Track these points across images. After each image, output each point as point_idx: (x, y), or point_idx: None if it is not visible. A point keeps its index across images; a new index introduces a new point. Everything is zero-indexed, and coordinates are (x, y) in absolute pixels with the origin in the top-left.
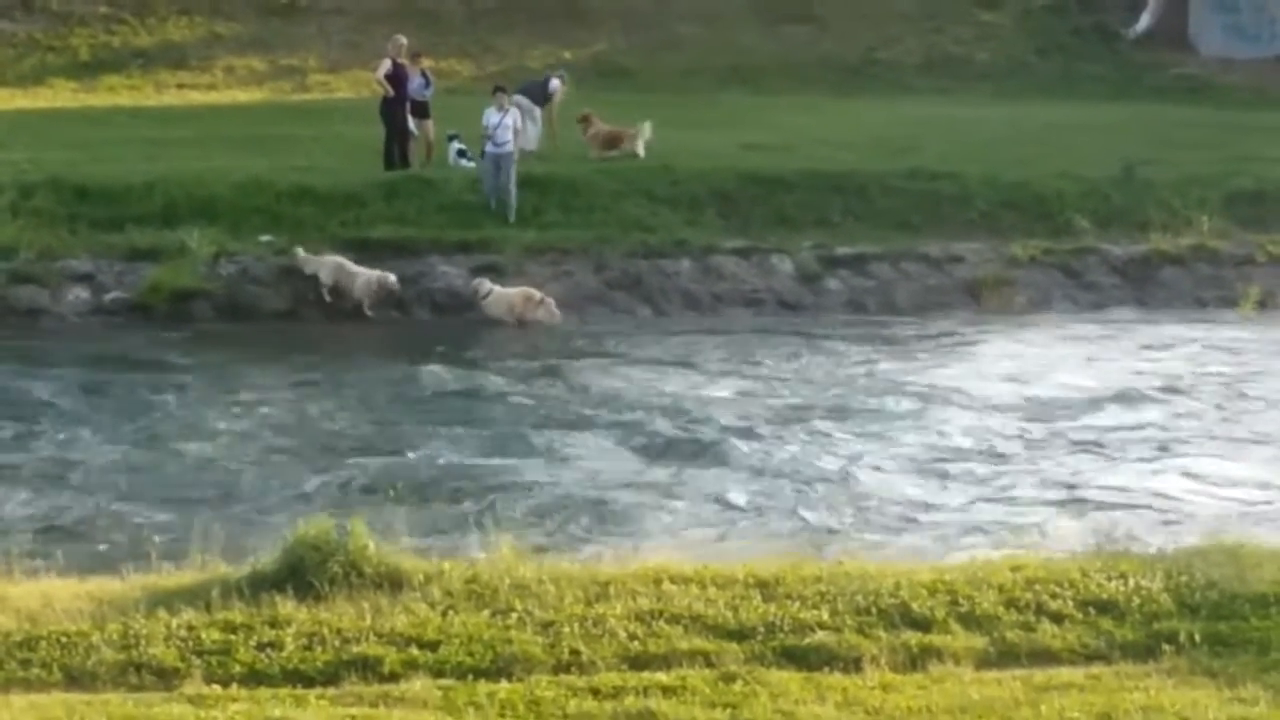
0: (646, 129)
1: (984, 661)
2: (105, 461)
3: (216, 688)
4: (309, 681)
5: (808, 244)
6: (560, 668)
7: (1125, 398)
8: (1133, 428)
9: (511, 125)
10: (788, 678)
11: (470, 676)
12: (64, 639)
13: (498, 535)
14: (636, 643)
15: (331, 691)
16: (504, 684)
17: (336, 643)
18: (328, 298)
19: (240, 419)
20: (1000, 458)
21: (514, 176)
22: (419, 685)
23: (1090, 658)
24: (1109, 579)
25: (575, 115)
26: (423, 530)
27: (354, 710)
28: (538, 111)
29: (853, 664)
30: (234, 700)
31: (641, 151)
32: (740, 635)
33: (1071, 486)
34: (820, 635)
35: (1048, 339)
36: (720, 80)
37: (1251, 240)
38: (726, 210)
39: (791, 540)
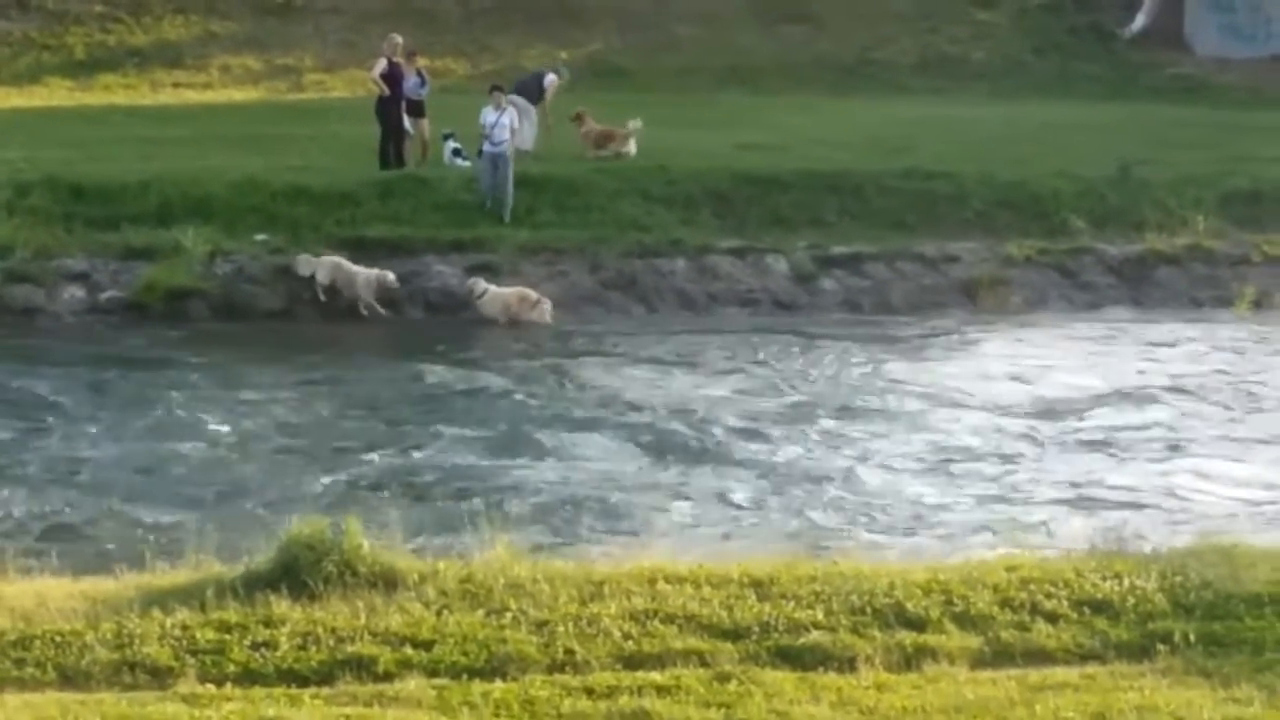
0: (634, 126)
1: (979, 661)
2: (104, 461)
3: (211, 687)
4: (303, 681)
5: (803, 244)
6: (555, 667)
7: (1127, 397)
8: (1136, 427)
9: (509, 124)
10: (782, 677)
11: (465, 676)
12: (58, 638)
13: (493, 534)
14: (631, 642)
15: (326, 691)
16: (498, 683)
17: (331, 642)
18: (323, 297)
19: (239, 418)
20: (1004, 457)
21: (511, 176)
22: (413, 685)
23: (1085, 657)
24: (1104, 579)
25: (569, 114)
26: (422, 530)
27: (348, 710)
28: (534, 111)
29: (847, 664)
30: (228, 700)
31: (633, 150)
32: (735, 635)
33: (1076, 486)
34: (815, 635)
35: (1045, 338)
36: (717, 80)
37: (1247, 240)
38: (722, 210)
39: (795, 540)
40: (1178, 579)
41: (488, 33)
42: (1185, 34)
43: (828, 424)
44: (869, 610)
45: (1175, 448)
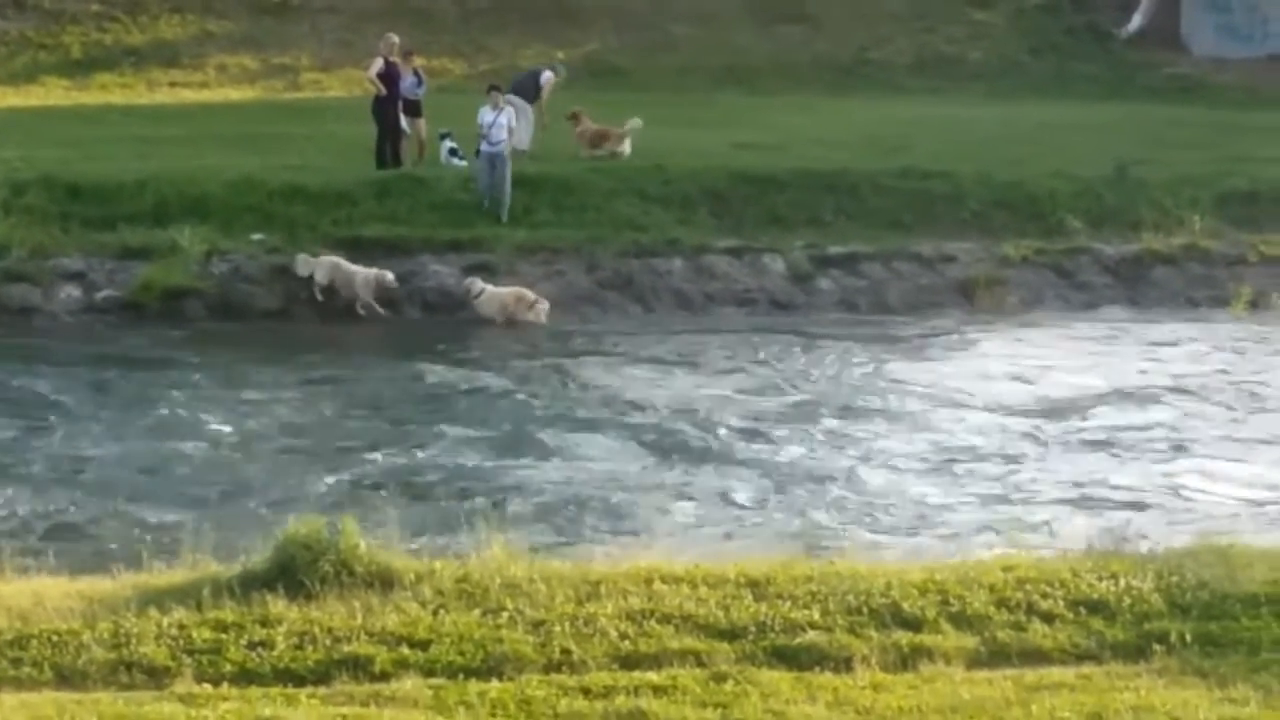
0: (634, 125)
1: (975, 661)
2: (106, 460)
3: (207, 687)
4: (300, 680)
5: (800, 243)
6: (551, 667)
7: (1128, 397)
8: (1138, 427)
9: (506, 124)
10: (778, 677)
11: (461, 676)
12: (55, 637)
13: (489, 534)
14: (627, 642)
15: (322, 690)
16: (495, 683)
17: (327, 642)
18: (319, 297)
19: (240, 418)
20: (1006, 457)
21: (509, 176)
22: (410, 684)
23: (1081, 658)
24: (1100, 579)
25: (565, 113)
26: (424, 530)
27: (345, 709)
28: (530, 110)
29: (844, 664)
30: (225, 699)
31: (627, 151)
32: (731, 635)
33: (1079, 486)
34: (811, 635)
35: (1044, 338)
36: (714, 80)
37: (1244, 240)
38: (719, 210)
39: (798, 541)
40: (1174, 579)
41: (484, 32)
42: (1182, 34)
43: (829, 424)
44: (865, 610)
45: (1177, 448)
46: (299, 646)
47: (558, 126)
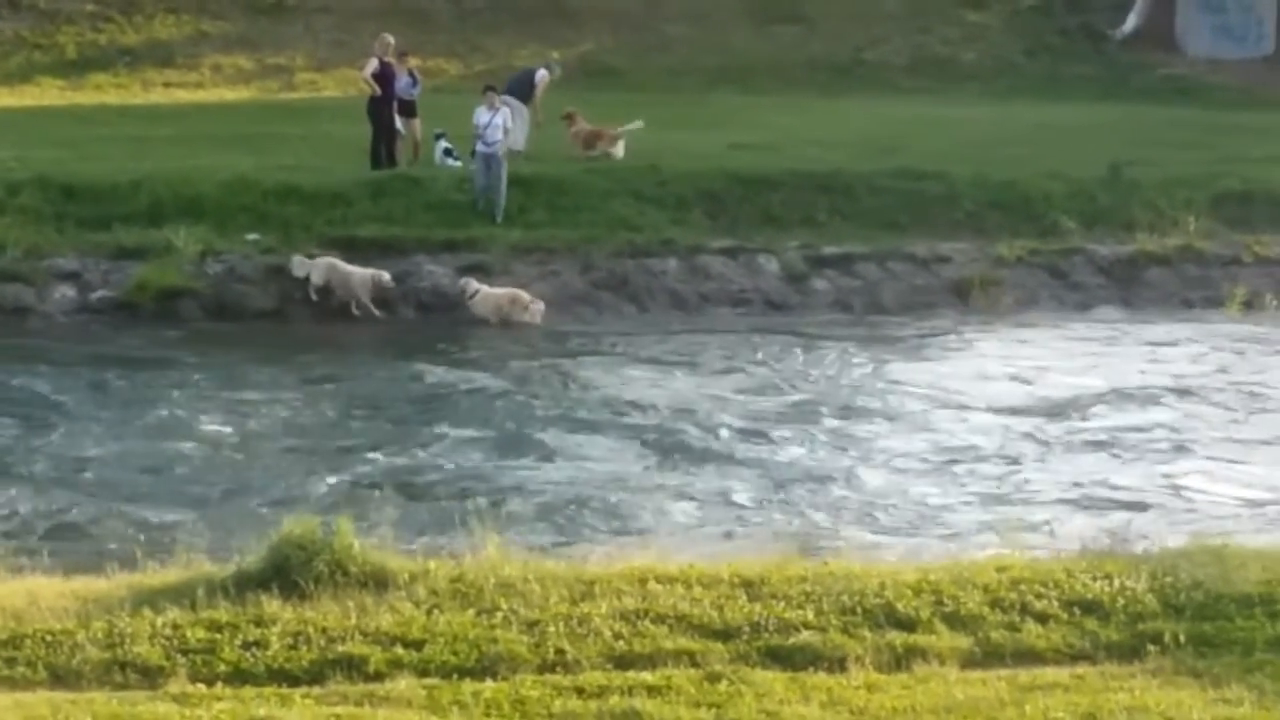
0: (635, 126)
1: (969, 661)
2: (107, 459)
3: (201, 686)
4: (294, 680)
5: (794, 244)
6: (545, 667)
7: (1127, 397)
8: (1137, 428)
9: (501, 125)
10: (772, 677)
11: (455, 675)
12: (49, 637)
13: (484, 534)
14: (622, 642)
15: (316, 690)
16: (489, 683)
17: (321, 642)
18: (314, 297)
19: (240, 418)
20: (1006, 458)
21: (504, 176)
22: (404, 684)
23: (1075, 658)
24: (1094, 579)
25: (560, 113)
26: (425, 530)
27: (339, 709)
28: (526, 110)
29: (837, 664)
30: (219, 699)
31: (620, 153)
32: (725, 635)
33: (1079, 486)
34: (805, 635)
35: (1041, 339)
36: (708, 80)
37: (1238, 241)
38: (713, 210)
39: (799, 541)
40: (1168, 579)
41: (479, 33)
42: (1176, 35)
43: (829, 424)
44: (859, 610)
45: (1177, 448)
46: (293, 646)
47: (553, 128)
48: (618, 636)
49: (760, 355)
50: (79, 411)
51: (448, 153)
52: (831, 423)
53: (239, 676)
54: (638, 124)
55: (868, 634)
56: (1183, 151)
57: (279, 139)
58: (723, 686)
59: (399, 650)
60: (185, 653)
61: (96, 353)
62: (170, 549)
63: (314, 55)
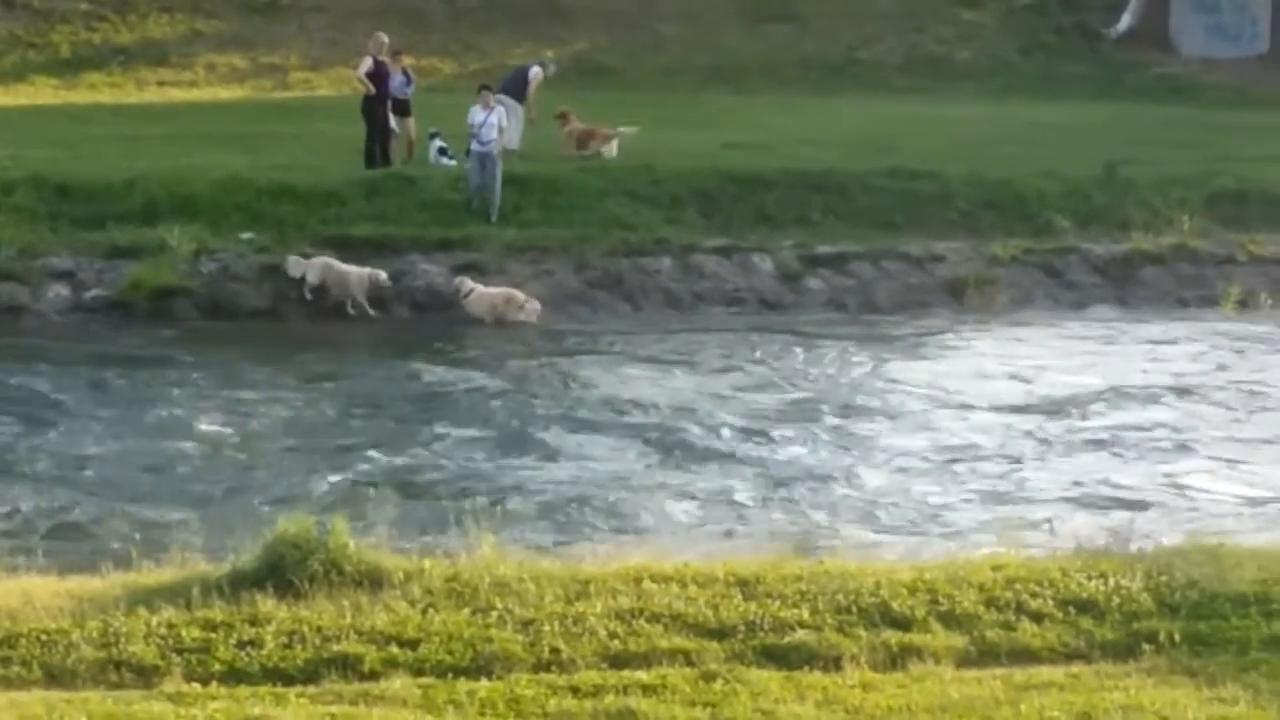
0: (626, 131)
1: (964, 660)
2: (107, 458)
3: (196, 686)
4: (289, 679)
5: (788, 243)
6: (540, 666)
7: (1126, 396)
8: (1137, 426)
9: (496, 124)
10: (768, 676)
11: (450, 675)
12: (44, 636)
13: (479, 533)
14: (617, 641)
15: (311, 690)
16: (484, 682)
17: (316, 641)
18: (309, 296)
19: (239, 417)
20: (1006, 457)
21: (499, 175)
22: (399, 683)
23: (1070, 657)
24: (1089, 578)
25: (554, 112)
26: (425, 529)
27: (334, 708)
28: (520, 109)
29: (833, 663)
30: (213, 698)
31: (613, 153)
32: (720, 634)
33: (1080, 485)
34: (800, 634)
35: (1037, 337)
36: (702, 79)
37: (1233, 240)
38: (707, 209)
39: (799, 540)
40: (1163, 578)
41: (474, 32)
42: (1171, 34)
43: (829, 422)
44: (854, 609)
45: (1177, 446)
46: (288, 645)
47: (547, 127)
48: (613, 636)
49: (758, 354)
50: (76, 410)
51: (442, 151)
52: (831, 421)
53: (234, 676)
54: (633, 129)
55: (863, 633)
56: (1177, 150)
57: (273, 138)
58: (718, 685)
59: (394, 649)
60: (180, 652)
61: (92, 352)
62: (166, 548)
63: (308, 54)
